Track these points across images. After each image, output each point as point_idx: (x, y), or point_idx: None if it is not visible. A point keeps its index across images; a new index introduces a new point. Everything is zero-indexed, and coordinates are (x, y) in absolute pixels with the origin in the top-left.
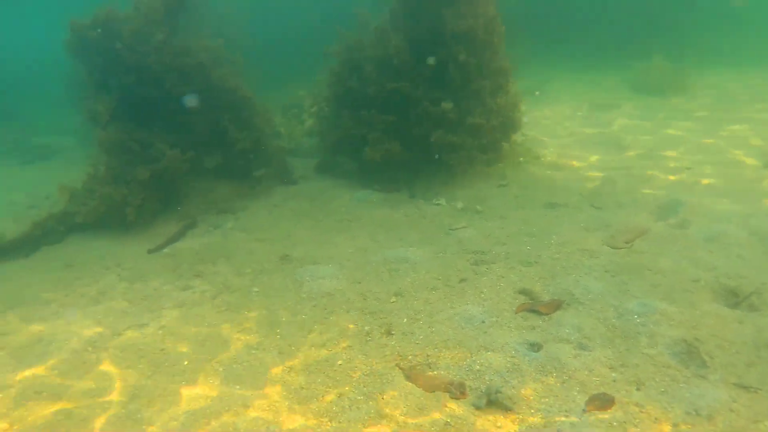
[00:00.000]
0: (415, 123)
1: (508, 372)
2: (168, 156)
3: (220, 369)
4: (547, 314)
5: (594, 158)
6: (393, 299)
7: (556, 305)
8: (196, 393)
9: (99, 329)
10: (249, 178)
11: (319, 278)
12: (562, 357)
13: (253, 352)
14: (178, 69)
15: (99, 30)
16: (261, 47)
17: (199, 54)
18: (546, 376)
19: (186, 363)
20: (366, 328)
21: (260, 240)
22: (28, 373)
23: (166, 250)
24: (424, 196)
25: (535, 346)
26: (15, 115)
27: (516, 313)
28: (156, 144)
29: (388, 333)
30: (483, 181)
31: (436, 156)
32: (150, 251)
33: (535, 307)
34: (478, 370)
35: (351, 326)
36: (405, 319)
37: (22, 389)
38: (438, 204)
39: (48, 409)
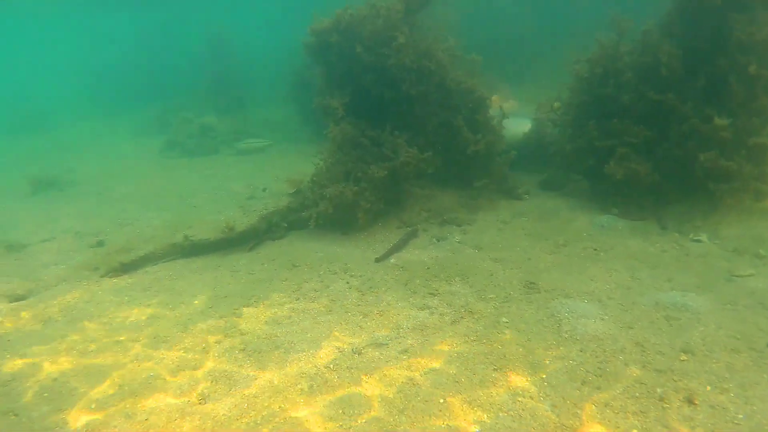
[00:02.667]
0: (676, 142)
1: None
2: (408, 153)
3: (485, 417)
4: None
5: None
6: (683, 357)
7: None
8: None
9: (337, 344)
10: (469, 188)
11: (580, 316)
12: None
13: (520, 399)
14: (416, 69)
15: (338, 33)
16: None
17: (437, 54)
18: None
19: (442, 401)
20: (658, 390)
21: (497, 260)
22: (265, 380)
23: (392, 260)
24: (679, 230)
25: None
26: (241, 106)
27: None
28: (388, 142)
29: (689, 402)
30: (758, 218)
31: (706, 184)
32: (377, 260)
33: None
34: None
35: (637, 385)
36: (708, 387)
37: (259, 394)
38: (698, 240)
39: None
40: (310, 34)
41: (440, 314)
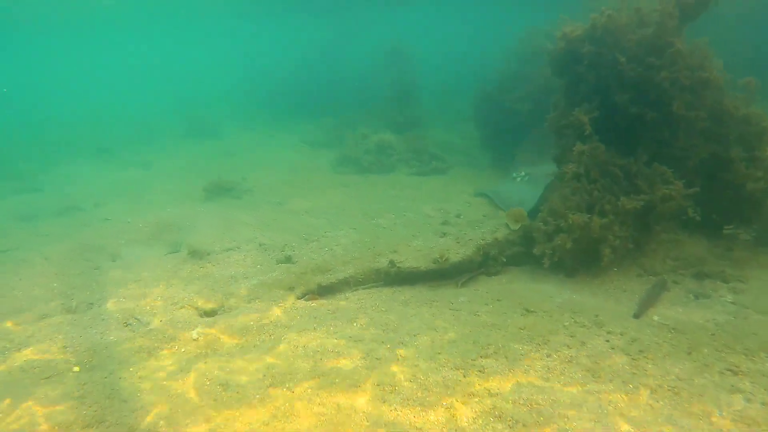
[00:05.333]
0: None
1: None
2: (674, 187)
3: None
4: None
5: None
6: None
7: None
8: None
9: (628, 428)
10: (719, 236)
11: None
12: None
13: None
14: (690, 88)
15: (592, 41)
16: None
17: (713, 70)
18: None
19: None
20: None
21: None
22: None
23: (656, 318)
24: None
25: None
26: (418, 124)
27: None
28: (642, 173)
29: None
30: None
31: None
32: (635, 315)
33: None
34: None
35: None
36: None
37: None
38: None
39: None
40: (560, 40)
41: (762, 403)
